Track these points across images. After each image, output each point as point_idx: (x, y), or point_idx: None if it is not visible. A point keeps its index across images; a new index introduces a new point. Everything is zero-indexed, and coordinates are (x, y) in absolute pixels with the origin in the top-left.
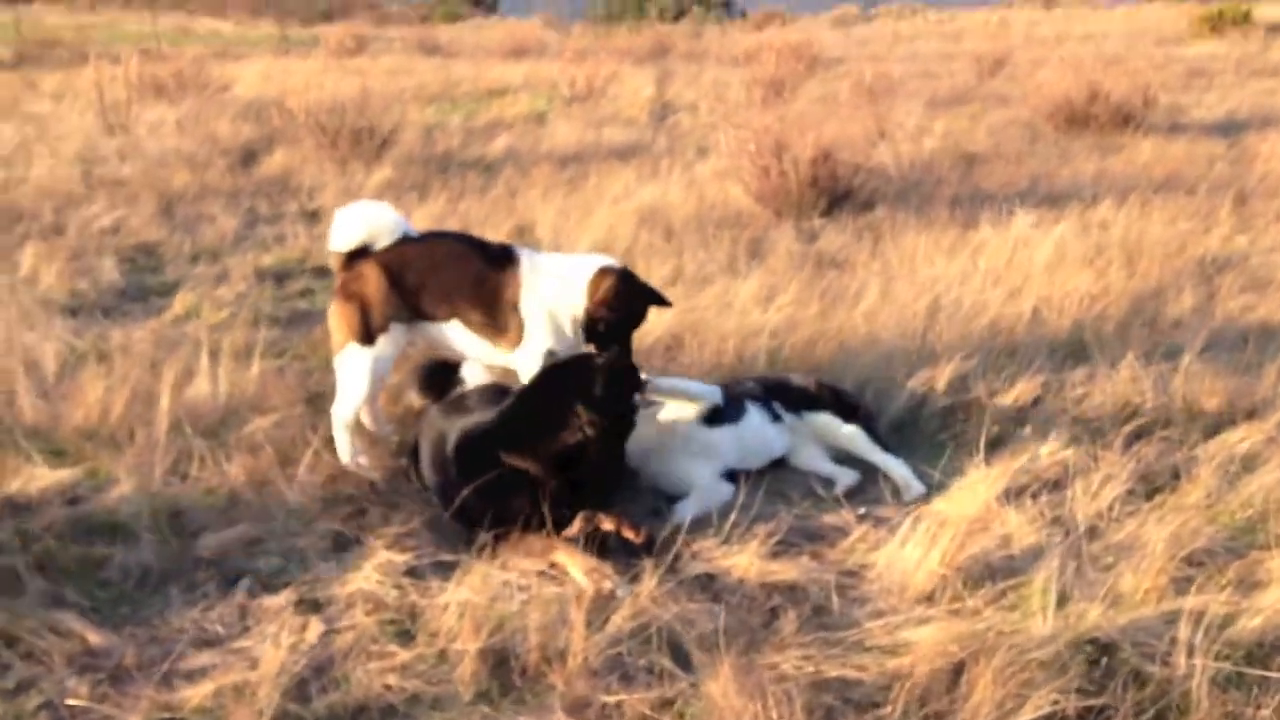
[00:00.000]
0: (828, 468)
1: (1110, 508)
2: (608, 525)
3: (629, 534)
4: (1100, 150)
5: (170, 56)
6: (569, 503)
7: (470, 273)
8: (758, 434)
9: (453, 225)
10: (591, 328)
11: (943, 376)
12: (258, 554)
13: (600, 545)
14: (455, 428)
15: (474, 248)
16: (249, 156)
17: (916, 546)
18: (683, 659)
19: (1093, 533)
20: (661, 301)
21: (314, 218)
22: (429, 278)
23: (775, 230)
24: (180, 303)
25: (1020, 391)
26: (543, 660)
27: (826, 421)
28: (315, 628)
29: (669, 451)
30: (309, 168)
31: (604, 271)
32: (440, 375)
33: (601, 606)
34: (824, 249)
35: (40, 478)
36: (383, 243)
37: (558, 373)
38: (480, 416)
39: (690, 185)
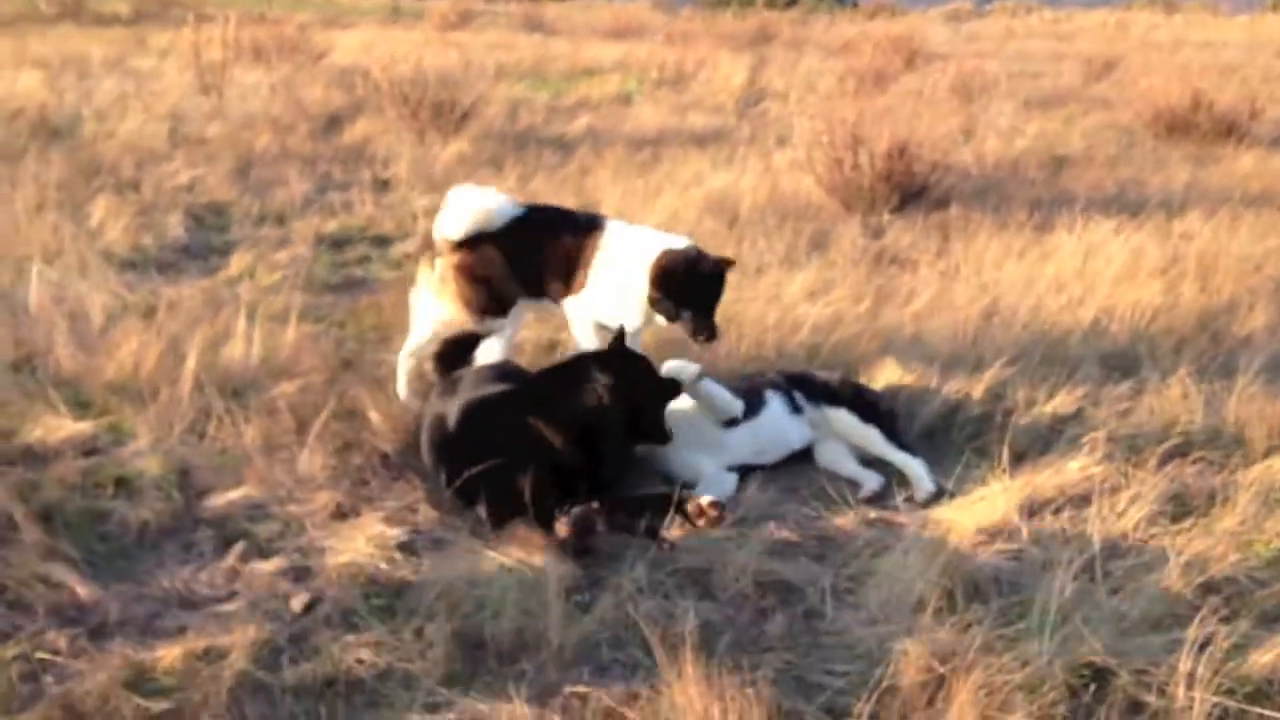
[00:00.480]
0: (852, 469)
1: (1135, 528)
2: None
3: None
4: (1197, 160)
5: (279, 20)
6: (581, 485)
7: (565, 248)
8: (776, 425)
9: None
10: (653, 305)
11: (981, 383)
12: (259, 518)
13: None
14: (455, 403)
15: (568, 222)
16: (333, 123)
17: (920, 555)
18: (661, 654)
19: (1111, 552)
20: (717, 288)
21: (385, 186)
22: (539, 258)
23: (842, 224)
24: (236, 263)
25: (1059, 402)
26: (518, 646)
27: (843, 417)
28: (300, 596)
29: (679, 440)
30: (387, 137)
31: (665, 253)
32: (457, 351)
33: (583, 595)
34: (888, 246)
35: (61, 428)
36: (495, 226)
37: (588, 357)
38: (483, 390)
39: (764, 174)
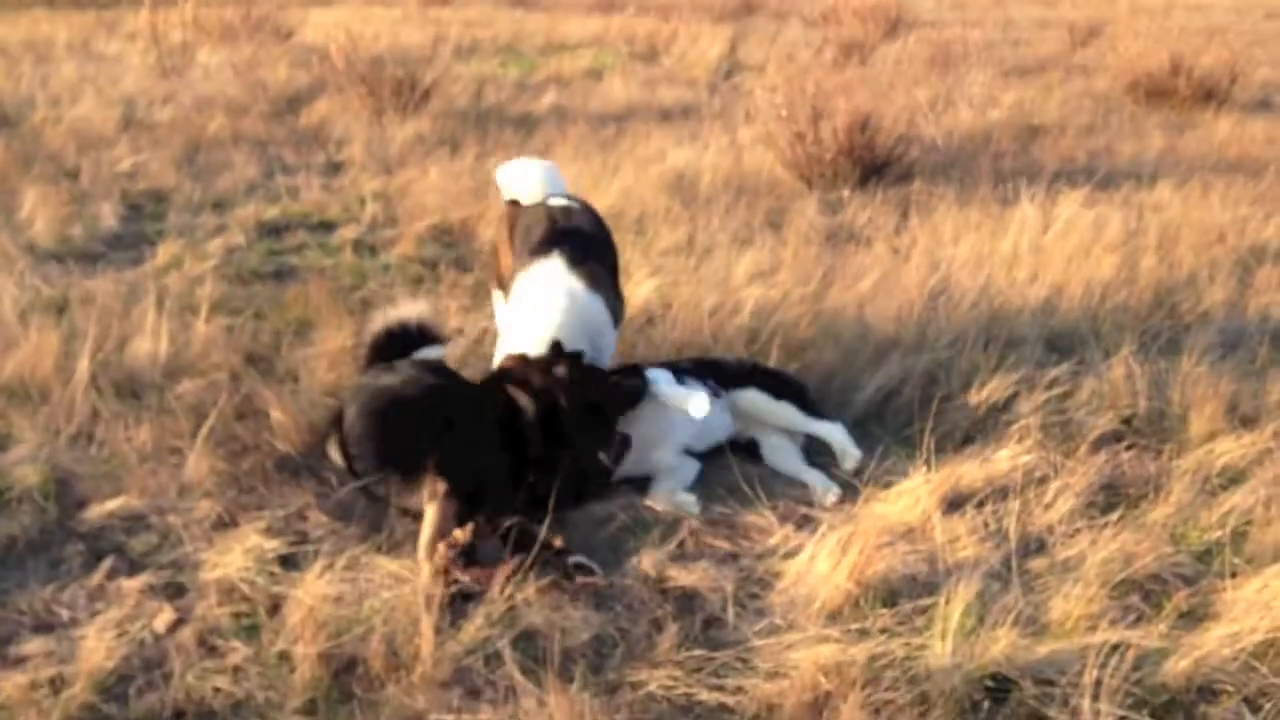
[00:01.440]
0: (805, 473)
1: (1060, 521)
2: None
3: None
4: (1175, 127)
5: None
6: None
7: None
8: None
9: (468, 182)
10: None
11: (919, 368)
12: (136, 530)
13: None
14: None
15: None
16: (293, 104)
17: (828, 557)
18: (541, 672)
19: (1039, 549)
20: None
21: (337, 169)
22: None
23: (800, 201)
24: (164, 253)
25: (995, 387)
26: (388, 668)
27: (752, 398)
28: (165, 616)
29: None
30: (345, 118)
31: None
32: (393, 343)
33: (460, 610)
34: (846, 223)
35: None
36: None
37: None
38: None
39: (728, 150)
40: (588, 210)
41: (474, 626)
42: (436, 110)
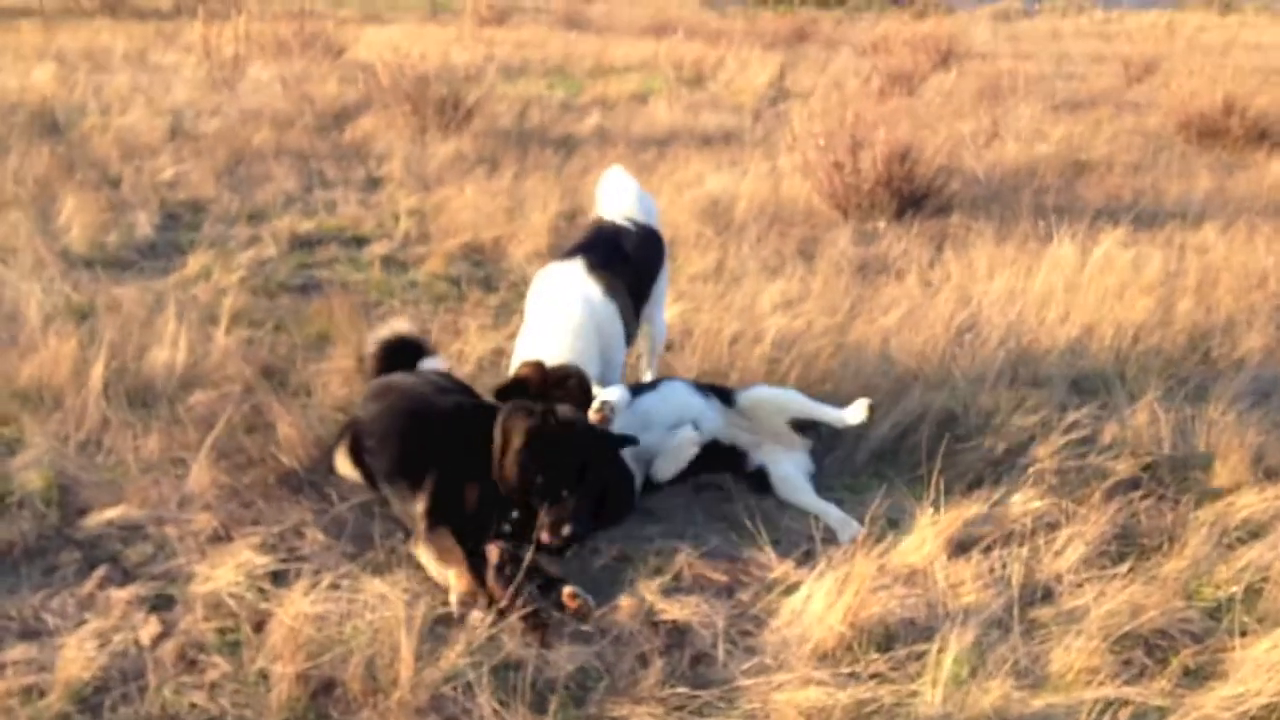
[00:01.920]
0: (820, 507)
1: (1071, 570)
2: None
3: (568, 601)
4: (1225, 167)
5: (320, 16)
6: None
7: None
8: (679, 396)
9: (504, 201)
10: None
11: (937, 405)
12: (133, 539)
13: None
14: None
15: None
16: (339, 119)
17: (824, 596)
18: (518, 704)
19: (1045, 597)
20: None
21: (375, 185)
22: None
23: (835, 231)
24: (195, 263)
25: (1014, 428)
26: (366, 692)
27: (759, 393)
28: (151, 629)
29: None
30: (389, 135)
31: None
32: (398, 355)
33: (441, 636)
34: (879, 254)
35: None
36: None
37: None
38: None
39: (767, 178)
40: (644, 233)
41: (454, 653)
42: (479, 129)
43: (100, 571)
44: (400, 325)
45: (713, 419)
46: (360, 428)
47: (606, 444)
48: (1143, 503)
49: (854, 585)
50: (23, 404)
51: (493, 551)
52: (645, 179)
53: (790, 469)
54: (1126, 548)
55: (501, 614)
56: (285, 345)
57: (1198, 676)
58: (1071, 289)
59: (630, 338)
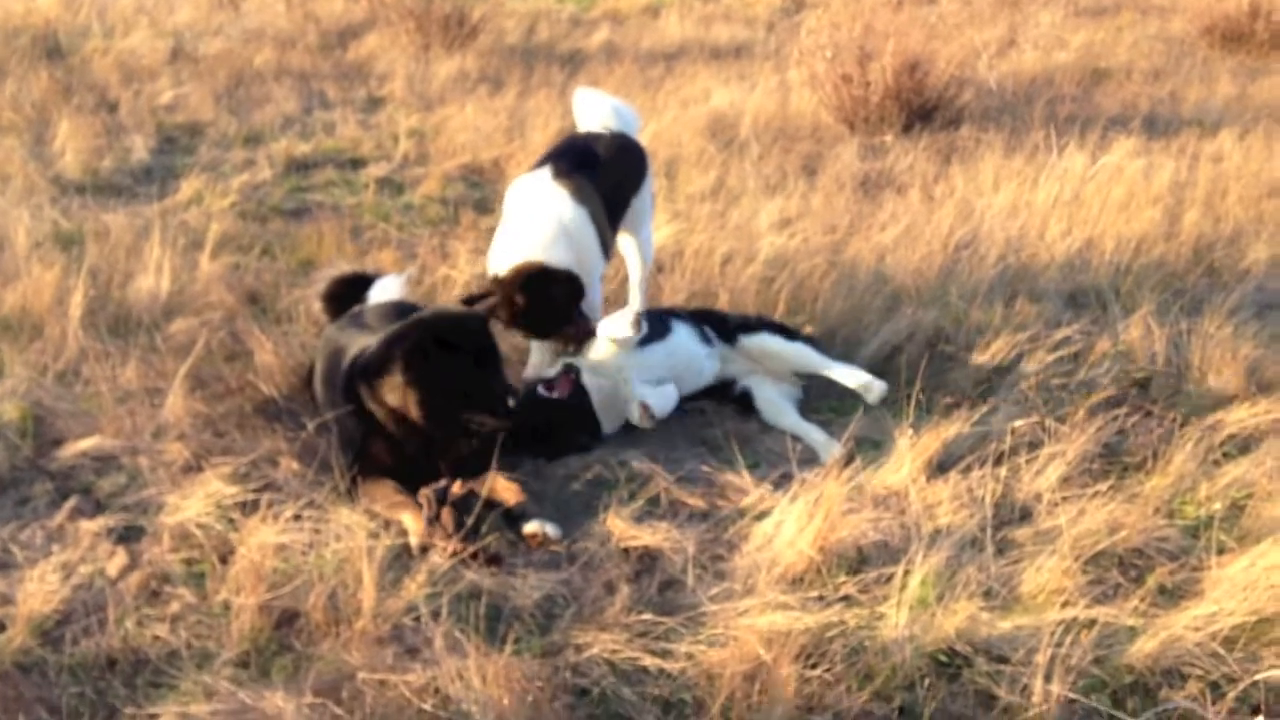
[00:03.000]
0: (803, 429)
1: (1051, 489)
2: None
3: (529, 537)
4: (1248, 73)
5: None
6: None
7: None
8: (686, 350)
9: (505, 121)
10: None
11: (928, 322)
12: (107, 470)
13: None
14: (353, 347)
15: None
16: (343, 38)
17: (796, 520)
18: (476, 633)
19: (1023, 517)
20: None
21: (376, 105)
22: None
23: (841, 145)
24: (188, 188)
25: (1002, 345)
26: (328, 622)
27: (764, 341)
28: (118, 560)
29: (610, 389)
30: (393, 53)
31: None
32: (348, 291)
33: (405, 564)
34: (885, 169)
35: None
36: None
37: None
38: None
39: (775, 92)
40: (620, 140)
41: (415, 584)
42: (484, 46)
43: (71, 503)
44: (337, 269)
45: (711, 368)
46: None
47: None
48: (1130, 419)
49: (824, 508)
50: (3, 333)
51: (453, 487)
52: (650, 95)
53: (774, 392)
54: (1110, 466)
55: (455, 554)
56: (271, 271)
57: (1172, 596)
58: (1076, 201)
59: (606, 247)
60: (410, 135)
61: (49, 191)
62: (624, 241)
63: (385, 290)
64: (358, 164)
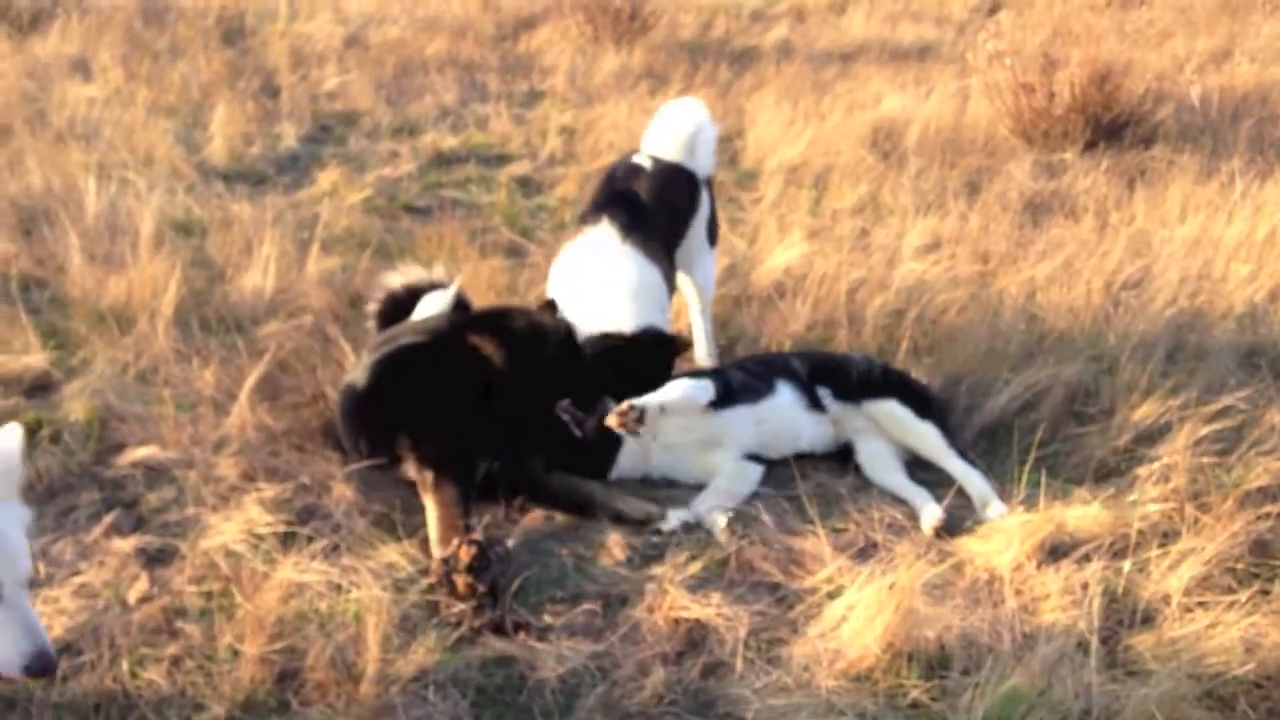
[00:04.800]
0: (908, 490)
1: (1183, 592)
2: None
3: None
4: None
5: None
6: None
7: None
8: (783, 416)
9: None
10: None
11: (1067, 376)
12: (157, 483)
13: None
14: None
15: None
16: (518, 29)
17: (868, 605)
18: (497, 706)
19: (1145, 622)
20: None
21: (535, 100)
22: None
23: (1014, 162)
24: (324, 179)
25: (1151, 410)
26: (330, 682)
27: (892, 411)
28: (140, 586)
29: (681, 444)
30: (563, 45)
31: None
32: (398, 307)
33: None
34: (1058, 190)
35: (21, 360)
36: None
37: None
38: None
39: (952, 99)
40: (667, 175)
41: (424, 649)
42: (655, 41)
43: (110, 518)
44: (395, 279)
45: (816, 436)
46: None
47: None
48: None
49: (899, 597)
50: (99, 324)
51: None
52: (816, 99)
53: (881, 446)
54: (1258, 569)
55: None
56: (381, 273)
57: None
58: (1270, 241)
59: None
60: (560, 133)
61: (190, 177)
62: (681, 279)
63: (432, 305)
64: (503, 160)
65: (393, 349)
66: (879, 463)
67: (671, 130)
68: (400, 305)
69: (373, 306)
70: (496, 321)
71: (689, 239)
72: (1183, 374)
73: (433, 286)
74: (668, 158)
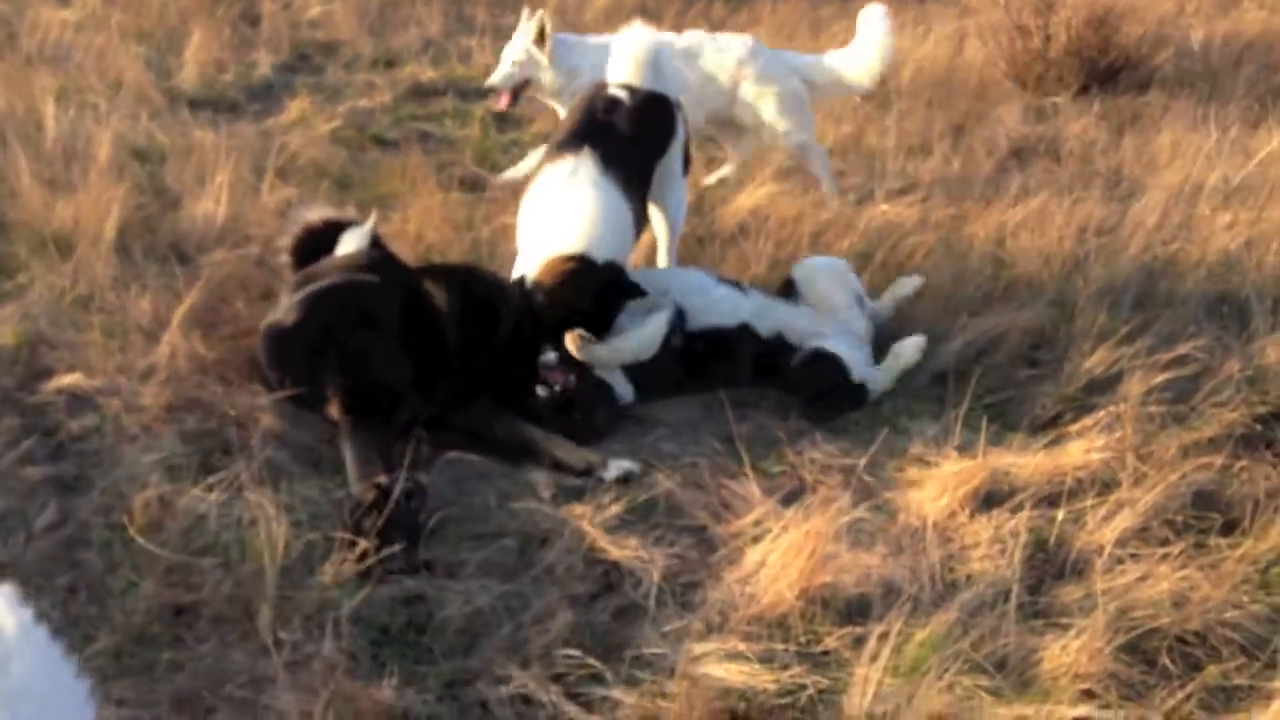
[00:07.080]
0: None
1: (1118, 543)
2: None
3: None
4: None
5: None
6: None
7: None
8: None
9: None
10: None
11: (1024, 322)
12: (80, 411)
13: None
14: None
15: None
16: None
17: (785, 552)
18: (391, 650)
19: (1075, 574)
20: None
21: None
22: None
23: (1005, 106)
24: (295, 108)
25: (1104, 357)
26: (228, 617)
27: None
28: (47, 516)
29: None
30: None
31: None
32: (315, 243)
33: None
34: (1046, 135)
35: None
36: None
37: None
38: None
39: (949, 40)
40: (646, 102)
41: (321, 584)
42: None
43: (26, 444)
44: (310, 214)
45: (740, 308)
46: None
47: None
48: (1239, 463)
49: (813, 542)
50: (39, 248)
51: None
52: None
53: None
54: (1196, 520)
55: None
56: (339, 205)
57: (1228, 700)
58: (1254, 189)
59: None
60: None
61: (158, 103)
62: (651, 211)
63: (350, 242)
64: (482, 94)
65: (320, 287)
66: None
67: (633, 55)
68: (318, 240)
69: (287, 241)
70: (455, 276)
71: (662, 167)
72: (1140, 321)
73: (350, 224)
74: (639, 84)
